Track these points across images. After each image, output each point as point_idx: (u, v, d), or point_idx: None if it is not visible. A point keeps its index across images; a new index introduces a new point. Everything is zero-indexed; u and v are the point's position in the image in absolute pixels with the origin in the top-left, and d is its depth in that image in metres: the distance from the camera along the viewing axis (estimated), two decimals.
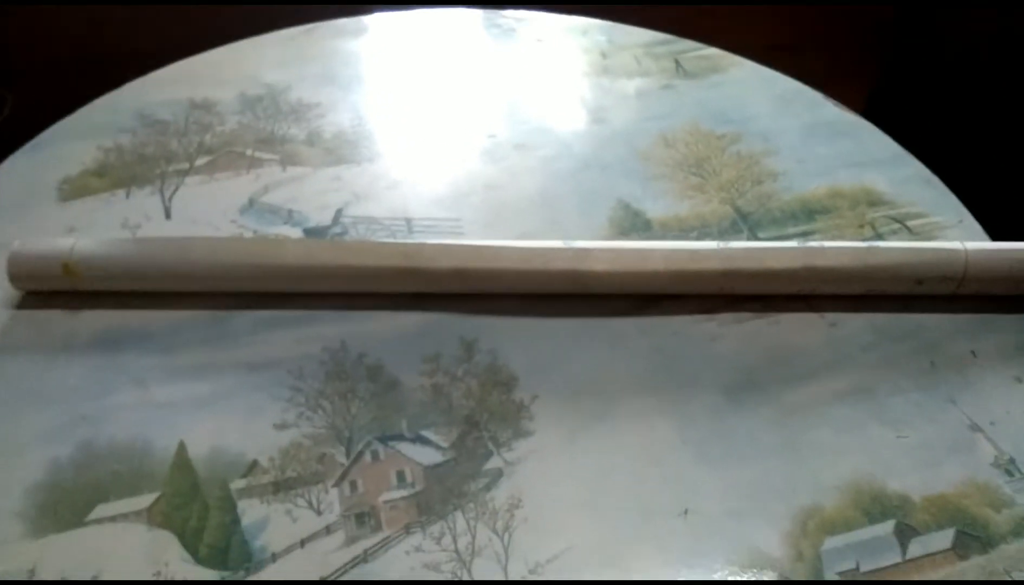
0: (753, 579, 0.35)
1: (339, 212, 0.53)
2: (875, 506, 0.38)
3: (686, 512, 0.38)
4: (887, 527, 0.37)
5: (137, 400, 0.42)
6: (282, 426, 0.41)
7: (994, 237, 0.50)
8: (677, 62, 0.65)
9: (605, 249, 0.45)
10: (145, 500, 0.38)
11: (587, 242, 0.47)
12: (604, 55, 0.66)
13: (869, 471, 0.39)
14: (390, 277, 0.45)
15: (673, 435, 0.41)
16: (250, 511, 0.38)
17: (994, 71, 0.88)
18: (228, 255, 0.45)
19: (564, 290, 0.46)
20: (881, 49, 0.99)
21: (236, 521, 0.37)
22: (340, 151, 0.57)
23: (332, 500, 0.38)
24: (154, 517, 0.37)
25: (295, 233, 0.51)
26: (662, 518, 0.37)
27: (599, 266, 0.45)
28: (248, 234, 0.51)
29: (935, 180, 0.54)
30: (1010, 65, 0.86)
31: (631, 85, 0.63)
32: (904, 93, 0.94)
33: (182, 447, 0.40)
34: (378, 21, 0.69)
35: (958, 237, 0.50)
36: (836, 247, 0.45)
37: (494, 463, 0.39)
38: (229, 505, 0.38)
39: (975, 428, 0.41)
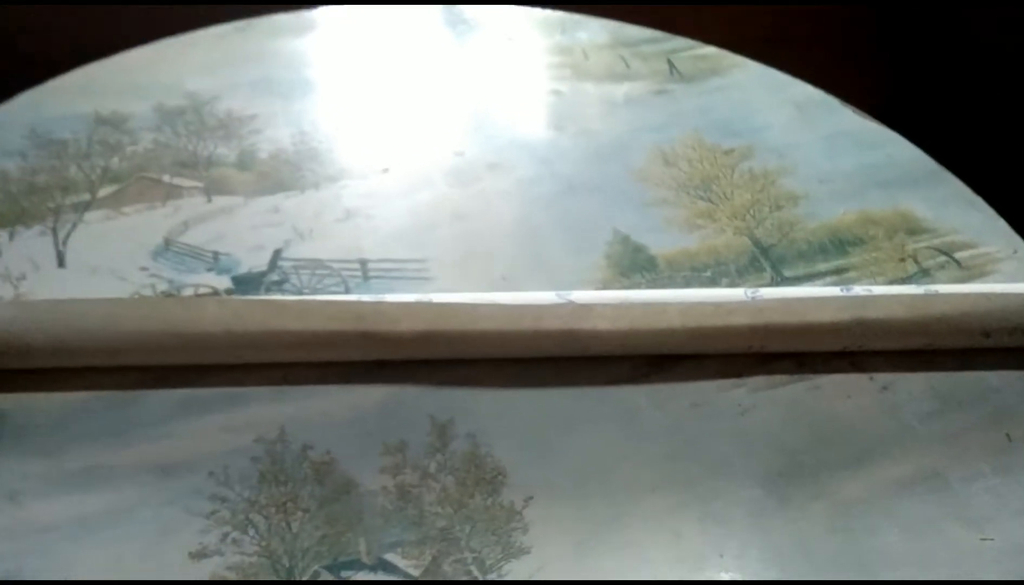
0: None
1: (277, 254, 0.43)
2: None
3: None
4: None
5: (9, 521, 0.32)
6: (200, 554, 0.31)
7: None
8: (670, 63, 0.57)
9: (609, 304, 0.37)
10: None
11: (584, 292, 0.38)
12: (586, 55, 0.57)
13: None
14: (341, 344, 0.36)
15: (705, 546, 0.32)
16: None
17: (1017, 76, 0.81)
18: (133, 321, 0.36)
19: (559, 353, 0.37)
20: (889, 41, 0.91)
21: None
22: (279, 175, 0.48)
23: None
24: None
25: (222, 281, 0.42)
26: None
27: (603, 324, 0.36)
28: (162, 284, 0.41)
29: (979, 202, 0.47)
30: None
31: (619, 91, 0.55)
32: (923, 93, 0.87)
33: None
34: (325, 16, 0.59)
35: (1015, 271, 0.43)
36: (887, 295, 0.37)
37: None
38: None
39: None
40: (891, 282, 0.42)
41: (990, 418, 0.36)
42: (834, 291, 0.38)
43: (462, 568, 0.31)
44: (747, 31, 0.71)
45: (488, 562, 0.31)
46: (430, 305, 0.36)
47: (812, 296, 0.37)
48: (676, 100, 0.54)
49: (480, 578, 0.31)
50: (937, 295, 0.37)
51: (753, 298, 0.37)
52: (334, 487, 0.33)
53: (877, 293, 0.37)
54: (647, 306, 0.37)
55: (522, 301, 0.37)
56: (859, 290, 0.38)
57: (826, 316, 0.36)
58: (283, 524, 0.32)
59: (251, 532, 0.32)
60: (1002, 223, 0.45)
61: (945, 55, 0.89)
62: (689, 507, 0.33)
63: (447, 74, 0.55)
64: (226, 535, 0.32)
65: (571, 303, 0.37)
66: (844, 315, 0.36)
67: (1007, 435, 0.36)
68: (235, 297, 0.40)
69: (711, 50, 0.58)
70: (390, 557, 0.31)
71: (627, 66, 0.57)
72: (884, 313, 0.37)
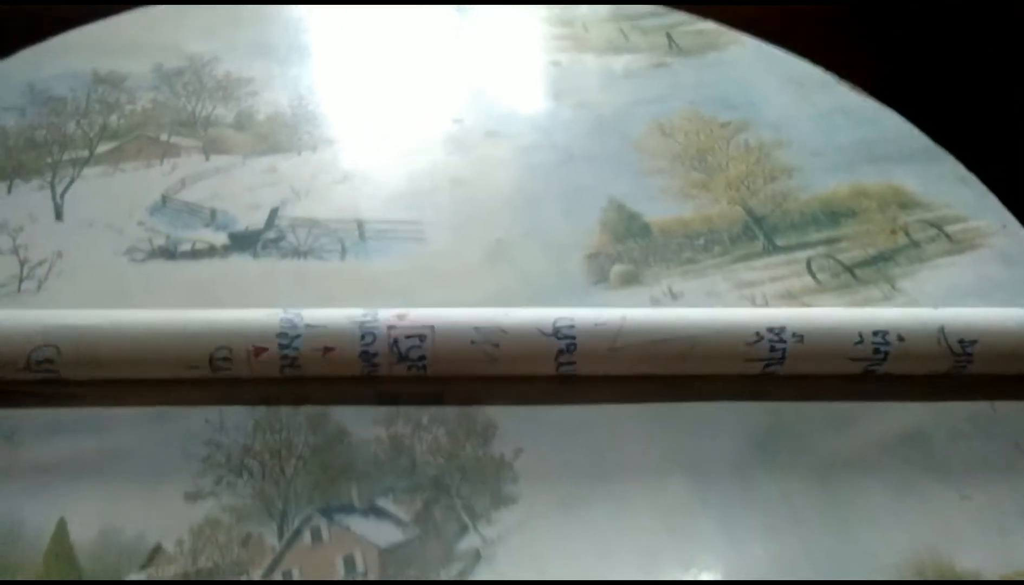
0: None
1: (274, 212, 0.43)
2: None
3: None
4: None
5: (6, 462, 0.32)
6: (195, 495, 0.32)
7: None
8: (669, 37, 0.57)
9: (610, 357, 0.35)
10: None
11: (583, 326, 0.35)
12: (586, 28, 0.58)
13: (931, 543, 0.32)
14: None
15: (691, 498, 0.33)
16: None
17: (1013, 56, 0.82)
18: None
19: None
20: (886, 20, 0.91)
21: None
22: (276, 137, 0.48)
23: None
24: None
25: (219, 237, 0.42)
26: None
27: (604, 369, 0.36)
28: (159, 239, 0.42)
29: (971, 178, 0.47)
30: None
31: (618, 63, 0.55)
32: (918, 75, 0.87)
33: (62, 527, 0.30)
34: None
35: (1005, 244, 0.43)
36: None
37: (469, 542, 0.31)
38: None
39: None
40: (881, 252, 0.43)
41: (974, 385, 0.37)
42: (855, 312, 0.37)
43: (452, 515, 0.32)
44: (745, 11, 0.71)
45: (478, 509, 0.32)
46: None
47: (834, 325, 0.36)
48: (674, 73, 0.54)
49: (469, 524, 0.31)
50: None
51: (771, 338, 0.35)
52: (327, 436, 0.34)
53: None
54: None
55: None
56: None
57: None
58: (277, 469, 0.33)
59: (245, 476, 0.32)
60: (992, 199, 0.46)
61: (940, 35, 0.90)
62: (675, 461, 0.34)
63: (448, 41, 0.56)
64: (221, 478, 0.32)
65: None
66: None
67: (991, 405, 0.36)
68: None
69: (710, 25, 0.58)
70: (382, 503, 0.32)
71: (626, 39, 0.57)
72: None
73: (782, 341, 0.35)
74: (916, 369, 0.36)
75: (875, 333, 0.35)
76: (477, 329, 0.34)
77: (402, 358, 0.34)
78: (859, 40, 0.91)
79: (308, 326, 0.34)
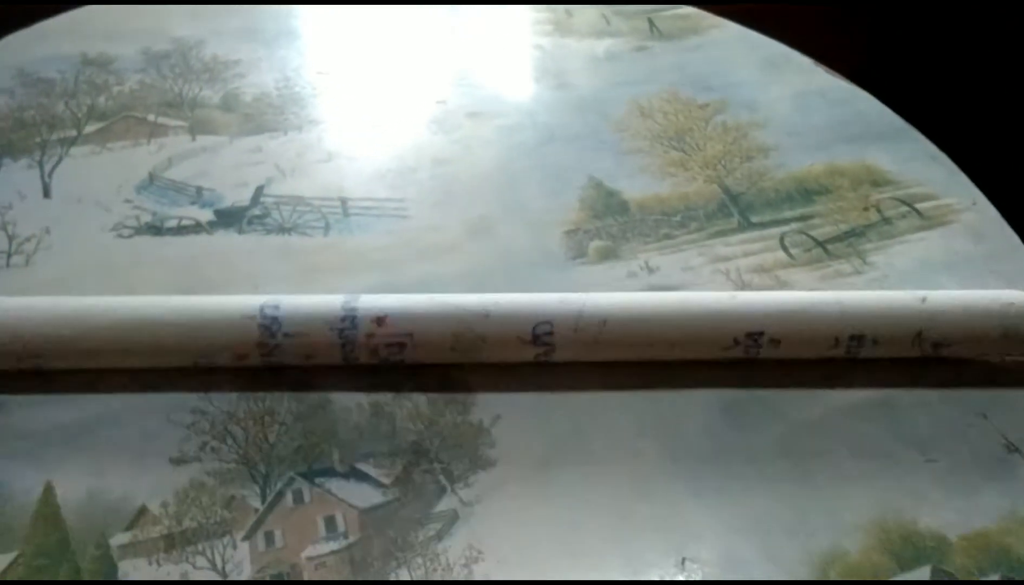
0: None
1: (259, 190, 0.44)
2: (907, 548, 0.31)
3: (683, 561, 0.31)
4: (922, 575, 0.31)
5: None
6: (180, 460, 0.32)
7: (1008, 217, 0.45)
8: (651, 22, 0.58)
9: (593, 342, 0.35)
10: None
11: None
12: (569, 13, 0.58)
13: (896, 504, 0.33)
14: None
15: (662, 461, 0.34)
16: (135, 574, 0.29)
17: (994, 38, 0.83)
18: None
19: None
20: (867, 15, 0.93)
21: None
22: (262, 117, 0.49)
23: (242, 558, 0.30)
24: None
25: (205, 214, 0.43)
26: (654, 570, 0.30)
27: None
28: (146, 215, 0.42)
29: (942, 157, 0.48)
30: (1007, 30, 0.81)
31: (600, 46, 0.56)
32: (896, 62, 0.88)
33: (49, 490, 0.31)
34: None
35: (974, 220, 0.44)
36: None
37: (447, 503, 0.32)
38: (107, 567, 0.29)
39: (1011, 448, 0.35)
40: (853, 228, 0.44)
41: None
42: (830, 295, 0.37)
43: (431, 478, 0.33)
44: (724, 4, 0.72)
45: (456, 472, 0.33)
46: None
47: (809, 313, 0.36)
48: (655, 56, 0.55)
49: (447, 486, 0.32)
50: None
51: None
52: (310, 403, 0.35)
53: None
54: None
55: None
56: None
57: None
58: (260, 435, 0.33)
59: (229, 442, 0.33)
60: (963, 177, 0.47)
61: (920, 21, 0.91)
62: (648, 427, 0.35)
63: (432, 25, 0.56)
64: (205, 443, 0.33)
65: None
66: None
67: (955, 369, 0.37)
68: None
69: (691, 10, 0.59)
70: (362, 466, 0.33)
71: (608, 24, 0.58)
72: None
73: (758, 345, 0.35)
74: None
75: (851, 337, 0.36)
76: (456, 336, 0.34)
77: (382, 360, 0.35)
78: (843, 30, 0.92)
79: (286, 336, 0.34)
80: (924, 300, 0.36)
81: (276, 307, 0.34)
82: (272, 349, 0.34)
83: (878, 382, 0.36)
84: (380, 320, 0.34)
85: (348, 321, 0.34)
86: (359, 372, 0.35)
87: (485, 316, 0.35)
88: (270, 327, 0.34)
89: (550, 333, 0.35)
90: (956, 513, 0.33)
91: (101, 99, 0.49)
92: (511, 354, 0.35)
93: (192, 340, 0.34)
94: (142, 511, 0.31)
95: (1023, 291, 0.37)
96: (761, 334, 0.35)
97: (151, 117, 0.48)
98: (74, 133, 0.47)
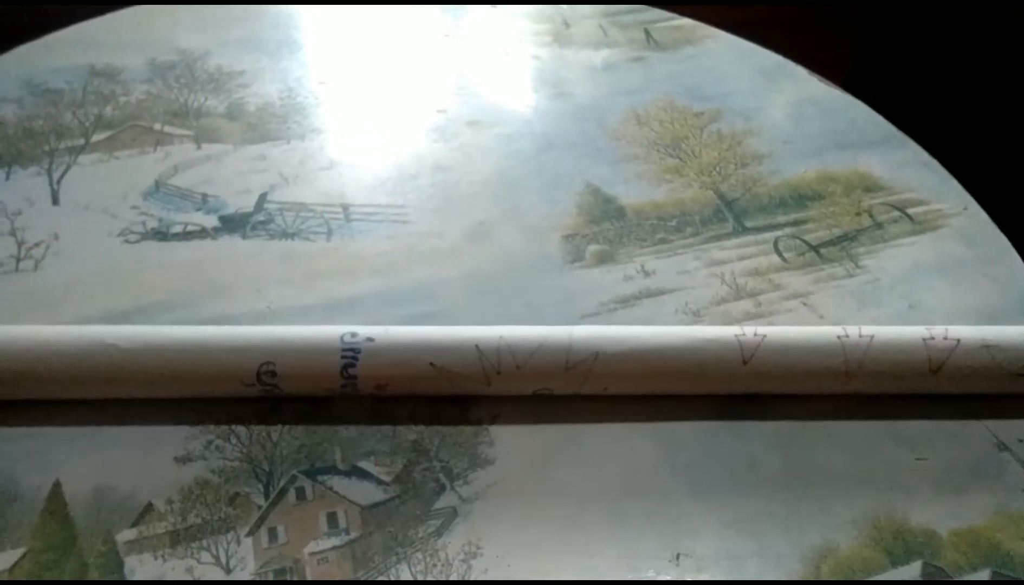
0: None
1: (263, 197, 0.45)
2: (898, 544, 0.32)
3: (678, 557, 0.31)
4: (913, 570, 0.31)
5: (3, 427, 0.34)
6: (185, 459, 0.33)
7: (999, 222, 0.45)
8: (647, 32, 0.59)
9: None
10: (6, 559, 0.30)
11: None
12: (567, 24, 0.60)
13: (887, 501, 0.33)
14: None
15: (659, 460, 0.34)
16: (141, 570, 0.30)
17: (985, 46, 0.84)
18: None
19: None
20: (860, 25, 0.94)
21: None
22: (266, 126, 0.50)
23: (245, 553, 0.31)
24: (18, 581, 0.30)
25: (210, 220, 0.44)
26: (650, 565, 0.31)
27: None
28: (152, 221, 0.43)
29: (934, 163, 0.49)
30: (999, 38, 0.82)
31: (597, 56, 0.57)
32: (887, 71, 0.89)
33: (57, 488, 0.32)
34: None
35: (965, 226, 0.45)
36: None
37: (447, 500, 0.32)
38: (114, 563, 0.30)
39: (1002, 447, 0.35)
40: (846, 233, 0.44)
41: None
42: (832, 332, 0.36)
43: (431, 476, 0.33)
44: (727, 13, 0.73)
45: (455, 470, 0.33)
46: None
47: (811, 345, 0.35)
48: (651, 66, 0.56)
49: (447, 483, 0.33)
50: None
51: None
52: (313, 404, 0.35)
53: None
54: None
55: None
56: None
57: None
58: (264, 434, 0.34)
59: (233, 441, 0.34)
60: (954, 182, 0.48)
61: (913, 29, 0.92)
62: (645, 427, 0.35)
63: (432, 36, 0.57)
64: (210, 442, 0.34)
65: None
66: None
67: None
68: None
69: (687, 22, 0.60)
70: (364, 464, 0.33)
71: (606, 35, 0.59)
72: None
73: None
74: None
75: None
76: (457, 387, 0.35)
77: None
78: (837, 38, 0.94)
79: (288, 398, 0.34)
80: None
81: (273, 374, 0.33)
82: (271, 390, 0.34)
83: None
84: (381, 386, 0.34)
85: (348, 388, 0.34)
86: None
87: (487, 385, 0.34)
88: (270, 391, 0.34)
89: (551, 391, 0.35)
90: (946, 510, 0.33)
91: (108, 109, 0.50)
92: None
93: (190, 391, 0.35)
94: (148, 508, 0.32)
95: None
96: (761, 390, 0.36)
97: (157, 126, 0.49)
98: (82, 142, 0.48)
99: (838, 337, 0.36)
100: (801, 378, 0.36)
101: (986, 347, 0.35)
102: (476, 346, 0.34)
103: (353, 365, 0.33)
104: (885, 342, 0.35)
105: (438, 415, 0.35)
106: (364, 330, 0.34)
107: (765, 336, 0.35)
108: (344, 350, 0.33)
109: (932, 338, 0.35)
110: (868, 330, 0.36)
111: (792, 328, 0.36)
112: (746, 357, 0.35)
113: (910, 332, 0.36)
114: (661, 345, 0.35)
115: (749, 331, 0.35)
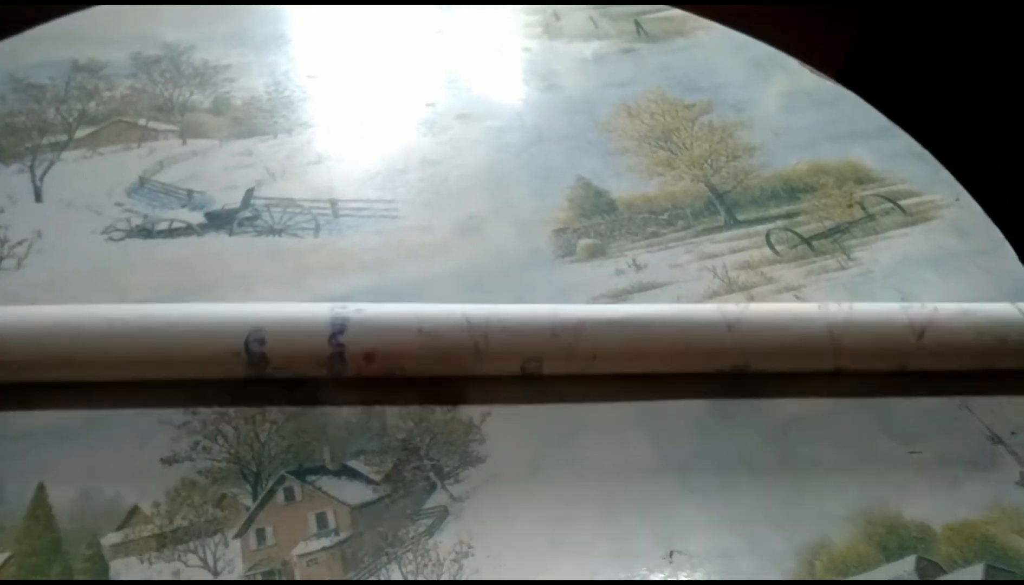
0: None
1: (250, 192, 0.44)
2: (891, 539, 0.32)
3: (671, 554, 0.31)
4: (907, 565, 0.31)
5: None
6: (171, 460, 0.33)
7: (991, 214, 0.45)
8: (638, 24, 0.58)
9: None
10: None
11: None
12: (557, 16, 0.59)
13: (881, 495, 0.33)
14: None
15: (651, 456, 0.34)
16: (127, 574, 0.30)
17: (978, 39, 0.84)
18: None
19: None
20: (853, 20, 0.94)
21: None
22: (252, 121, 0.49)
23: (233, 556, 0.30)
24: None
25: (195, 216, 0.43)
26: (642, 562, 0.31)
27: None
28: (137, 219, 0.43)
29: (926, 154, 0.49)
30: (994, 31, 0.82)
31: (588, 49, 0.56)
32: (880, 63, 0.89)
33: (41, 491, 0.31)
34: None
35: (956, 217, 0.45)
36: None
37: (438, 499, 0.32)
38: (99, 567, 0.30)
39: (995, 439, 0.35)
40: (838, 225, 0.44)
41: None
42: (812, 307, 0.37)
43: (421, 474, 0.33)
44: (719, 4, 0.73)
45: (446, 469, 0.33)
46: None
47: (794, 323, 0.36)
48: (642, 58, 0.56)
49: (437, 482, 0.32)
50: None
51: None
52: (301, 403, 0.35)
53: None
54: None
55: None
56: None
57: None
58: (251, 434, 0.34)
59: (220, 441, 0.33)
60: (946, 174, 0.48)
61: (906, 21, 0.92)
62: (637, 422, 0.35)
63: (421, 28, 0.57)
64: (197, 443, 0.33)
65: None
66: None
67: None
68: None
69: (677, 12, 0.60)
70: (353, 464, 0.33)
71: (596, 27, 0.58)
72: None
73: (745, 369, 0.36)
74: None
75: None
76: (446, 365, 0.35)
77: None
78: (829, 30, 0.93)
79: (275, 368, 0.34)
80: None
81: (261, 341, 0.33)
82: (259, 376, 0.34)
83: (863, 374, 0.37)
84: (369, 356, 0.34)
85: (336, 358, 0.34)
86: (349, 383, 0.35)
87: (476, 355, 0.34)
88: (257, 363, 0.33)
89: (539, 367, 0.35)
90: (939, 504, 0.33)
91: (92, 104, 0.49)
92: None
93: (179, 367, 0.34)
94: (134, 511, 0.31)
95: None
96: (747, 365, 0.36)
97: (142, 121, 0.48)
98: (65, 138, 0.47)
99: (819, 306, 0.36)
100: (788, 350, 0.36)
101: (964, 313, 0.36)
102: (464, 314, 0.34)
103: (342, 332, 0.33)
104: (866, 309, 0.36)
105: (428, 413, 0.35)
106: (354, 304, 0.34)
107: (747, 306, 0.36)
108: (334, 319, 0.33)
109: (910, 306, 0.36)
110: (848, 304, 0.36)
111: (773, 303, 0.37)
112: (730, 322, 0.35)
113: (888, 305, 0.37)
114: (648, 313, 0.35)
115: (731, 305, 0.36)
